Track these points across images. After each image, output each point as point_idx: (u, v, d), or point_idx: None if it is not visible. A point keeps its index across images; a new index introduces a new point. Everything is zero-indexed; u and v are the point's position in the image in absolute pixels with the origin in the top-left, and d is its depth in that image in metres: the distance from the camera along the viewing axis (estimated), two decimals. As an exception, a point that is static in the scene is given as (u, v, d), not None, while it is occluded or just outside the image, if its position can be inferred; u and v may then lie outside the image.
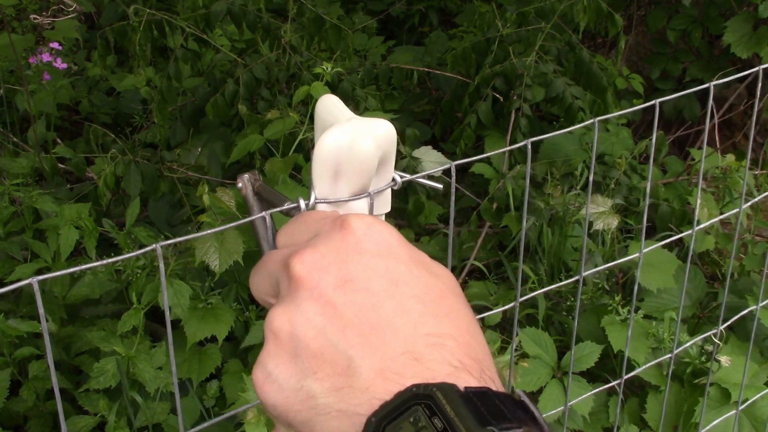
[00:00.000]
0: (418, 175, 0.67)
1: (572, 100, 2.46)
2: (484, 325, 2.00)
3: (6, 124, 2.55)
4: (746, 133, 3.14)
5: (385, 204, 0.62)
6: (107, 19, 2.61)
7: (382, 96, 2.71)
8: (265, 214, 0.59)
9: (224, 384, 1.82)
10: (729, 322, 1.59)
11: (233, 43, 2.92)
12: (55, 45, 2.43)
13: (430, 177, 0.65)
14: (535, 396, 1.97)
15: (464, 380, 0.37)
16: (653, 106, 0.92)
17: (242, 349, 1.83)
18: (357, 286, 0.41)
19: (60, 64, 2.38)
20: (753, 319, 1.63)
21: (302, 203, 0.56)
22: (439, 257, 2.26)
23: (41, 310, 0.55)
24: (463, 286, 2.34)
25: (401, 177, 0.61)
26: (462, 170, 2.75)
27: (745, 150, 3.09)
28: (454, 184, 0.74)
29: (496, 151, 0.96)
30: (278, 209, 0.57)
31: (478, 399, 0.36)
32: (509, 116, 2.55)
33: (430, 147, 2.14)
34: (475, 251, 2.36)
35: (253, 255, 1.68)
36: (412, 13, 3.61)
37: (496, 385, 0.38)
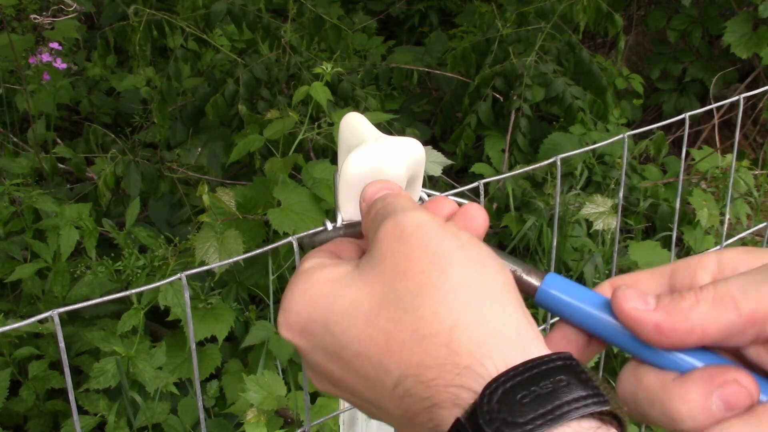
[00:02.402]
0: (447, 193, 0.65)
1: (572, 100, 2.46)
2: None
3: (6, 124, 2.55)
4: (746, 133, 3.14)
5: None
6: (107, 19, 2.61)
7: (382, 96, 2.71)
8: (293, 239, 0.58)
9: (224, 384, 1.82)
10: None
11: (233, 43, 2.92)
12: (55, 45, 2.43)
13: (460, 195, 0.64)
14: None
15: (442, 418, 0.38)
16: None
17: (242, 349, 1.84)
18: (338, 386, 0.44)
19: (60, 64, 2.38)
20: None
21: (329, 226, 0.55)
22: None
23: (62, 344, 0.54)
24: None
25: (429, 195, 0.59)
26: (462, 170, 2.75)
27: (745, 150, 3.09)
28: (482, 203, 0.73)
29: (529, 167, 0.95)
30: (306, 233, 0.56)
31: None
32: (509, 116, 2.55)
33: (430, 147, 2.14)
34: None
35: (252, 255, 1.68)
36: (412, 13, 3.61)
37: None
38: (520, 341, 0.38)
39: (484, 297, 0.40)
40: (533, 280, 0.47)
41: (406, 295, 0.40)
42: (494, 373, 0.36)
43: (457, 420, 0.36)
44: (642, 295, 0.42)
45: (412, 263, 0.41)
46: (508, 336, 0.38)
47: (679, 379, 0.40)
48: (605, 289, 0.45)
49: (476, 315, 0.39)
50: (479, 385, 0.36)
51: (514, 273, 0.47)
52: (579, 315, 0.45)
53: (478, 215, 0.47)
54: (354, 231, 0.54)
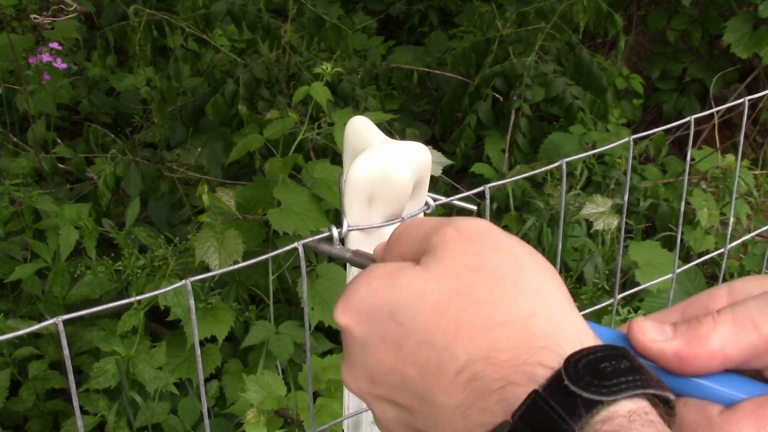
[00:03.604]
0: (452, 197, 0.65)
1: (572, 100, 2.46)
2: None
3: (6, 124, 2.55)
4: (746, 133, 3.14)
5: None
6: (107, 19, 2.60)
7: (382, 96, 2.71)
8: (298, 244, 0.58)
9: (224, 384, 1.82)
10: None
11: (233, 43, 2.92)
12: (55, 45, 2.43)
13: (464, 199, 0.64)
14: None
15: (513, 395, 0.40)
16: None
17: (242, 349, 1.83)
18: (381, 381, 0.45)
19: (60, 64, 2.38)
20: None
21: (335, 231, 0.55)
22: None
23: (66, 351, 0.54)
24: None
25: (434, 200, 0.59)
26: (462, 170, 2.75)
27: (745, 150, 3.09)
28: (489, 207, 0.73)
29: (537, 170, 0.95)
30: (311, 239, 0.56)
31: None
32: (509, 116, 2.55)
33: (430, 147, 2.14)
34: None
35: (253, 255, 1.68)
36: (412, 13, 3.61)
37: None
38: (591, 334, 0.42)
39: (556, 296, 0.43)
40: None
41: (480, 288, 0.42)
42: (571, 352, 0.39)
43: (534, 392, 0.38)
44: (658, 326, 0.44)
45: (486, 261, 0.44)
46: (582, 328, 0.42)
47: (727, 413, 0.41)
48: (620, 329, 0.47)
49: (552, 308, 0.42)
50: (557, 363, 0.39)
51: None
52: None
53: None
54: (361, 261, 0.54)
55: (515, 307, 0.42)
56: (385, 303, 0.45)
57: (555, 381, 0.38)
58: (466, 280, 0.43)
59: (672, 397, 0.39)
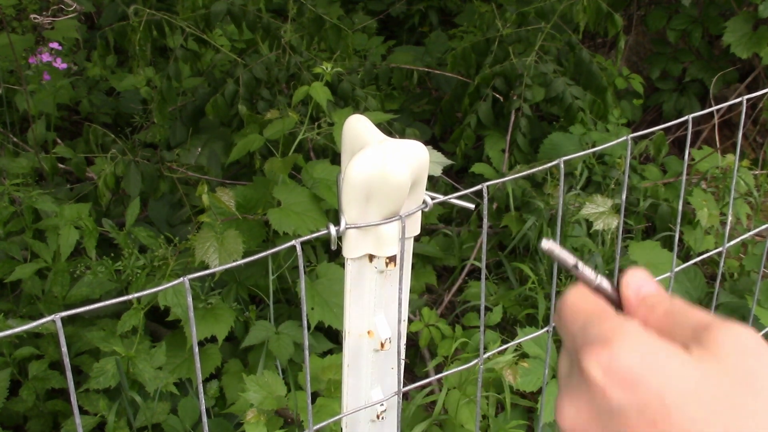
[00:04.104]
0: (450, 196, 0.65)
1: (572, 100, 2.46)
2: (486, 326, 2.00)
3: (6, 124, 2.55)
4: (746, 133, 3.14)
5: (415, 226, 0.61)
6: (107, 19, 2.61)
7: (382, 96, 2.72)
8: (296, 242, 0.58)
9: (224, 384, 1.82)
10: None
11: (233, 43, 2.92)
12: (55, 45, 2.43)
13: (462, 197, 0.64)
14: (535, 396, 1.97)
15: None
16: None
17: (242, 349, 1.84)
18: None
19: (60, 64, 2.38)
20: (753, 319, 1.63)
21: (332, 229, 0.55)
22: (439, 257, 2.24)
23: (64, 348, 0.54)
24: (463, 286, 2.34)
25: (432, 198, 0.59)
26: (462, 170, 2.75)
27: (744, 150, 3.09)
28: (487, 206, 0.72)
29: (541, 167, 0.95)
30: (308, 237, 0.56)
31: None
32: (509, 116, 2.55)
33: (430, 147, 2.14)
34: (475, 251, 2.37)
35: (252, 255, 1.68)
36: (412, 13, 3.61)
37: None
38: None
39: None
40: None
41: (753, 404, 0.44)
42: None
43: None
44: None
45: (760, 380, 0.45)
46: None
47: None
48: None
49: None
50: None
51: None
52: None
53: None
54: (605, 292, 0.55)
55: None
56: (657, 381, 0.45)
57: None
58: (740, 391, 0.45)
59: None
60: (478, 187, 0.69)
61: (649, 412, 0.45)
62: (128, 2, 2.35)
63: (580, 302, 0.53)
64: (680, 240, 2.35)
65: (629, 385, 0.46)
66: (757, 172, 2.68)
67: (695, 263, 1.77)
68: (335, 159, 2.18)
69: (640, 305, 0.53)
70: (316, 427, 0.76)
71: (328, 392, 1.54)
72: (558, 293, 2.23)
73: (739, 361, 0.46)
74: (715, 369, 0.45)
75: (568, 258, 0.56)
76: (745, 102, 0.99)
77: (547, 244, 0.55)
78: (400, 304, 0.65)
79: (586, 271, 0.55)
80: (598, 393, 0.47)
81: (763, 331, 1.84)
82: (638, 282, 0.54)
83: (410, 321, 2.04)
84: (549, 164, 0.86)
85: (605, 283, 0.55)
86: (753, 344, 0.47)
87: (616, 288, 0.55)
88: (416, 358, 2.17)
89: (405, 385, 0.72)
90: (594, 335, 0.49)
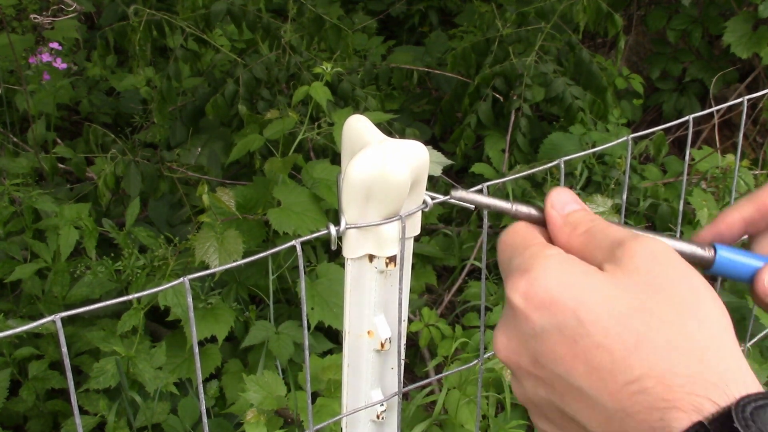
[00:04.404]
0: (450, 196, 0.66)
1: (572, 100, 2.46)
2: (486, 326, 2.00)
3: (6, 124, 2.55)
4: (746, 133, 3.14)
5: (415, 226, 0.62)
6: (107, 19, 2.61)
7: (382, 96, 2.71)
8: (296, 242, 0.58)
9: (224, 384, 1.82)
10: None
11: (233, 43, 2.92)
12: (55, 45, 2.43)
13: (462, 198, 0.65)
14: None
15: (676, 419, 0.43)
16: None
17: (242, 349, 1.84)
18: (545, 365, 0.48)
19: (60, 64, 2.38)
20: (754, 319, 1.63)
21: (332, 229, 0.55)
22: (440, 257, 2.24)
23: (64, 348, 0.55)
24: (463, 286, 2.34)
25: (432, 198, 0.60)
26: (462, 170, 2.75)
27: (744, 150, 3.09)
28: (486, 213, 0.73)
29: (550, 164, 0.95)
30: (308, 237, 0.57)
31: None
32: (509, 116, 2.55)
33: (430, 147, 2.13)
34: (475, 251, 2.37)
35: (252, 255, 1.68)
36: (412, 13, 3.61)
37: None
38: (752, 376, 0.45)
39: (728, 334, 0.46)
40: (705, 253, 0.56)
41: (665, 309, 0.46)
42: (737, 395, 0.43)
43: (698, 423, 0.42)
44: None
45: (670, 284, 0.47)
46: (747, 370, 0.45)
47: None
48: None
49: (724, 346, 0.45)
50: (723, 401, 0.42)
51: (685, 252, 0.56)
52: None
53: None
54: (526, 216, 0.56)
55: (695, 337, 0.45)
56: (572, 299, 0.47)
57: (722, 419, 0.42)
58: (652, 298, 0.46)
59: None
60: (478, 187, 0.69)
61: (568, 331, 0.47)
62: (128, 2, 2.35)
63: (508, 237, 0.54)
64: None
65: (547, 306, 0.48)
66: (757, 172, 2.68)
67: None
68: (335, 159, 2.17)
69: (564, 225, 0.54)
70: (316, 427, 0.76)
71: (328, 392, 1.54)
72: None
73: (649, 271, 0.47)
74: (625, 282, 0.47)
75: (485, 200, 0.56)
76: (745, 102, 0.99)
77: (457, 193, 0.55)
78: (400, 304, 0.65)
79: (503, 204, 0.56)
80: (521, 319, 0.49)
81: (764, 332, 1.84)
82: (562, 202, 0.55)
83: (410, 321, 2.04)
84: (549, 164, 0.86)
85: (534, 211, 0.55)
86: (662, 254, 0.48)
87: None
88: (416, 358, 2.17)
89: (405, 385, 0.72)
90: (516, 265, 0.51)
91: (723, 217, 0.59)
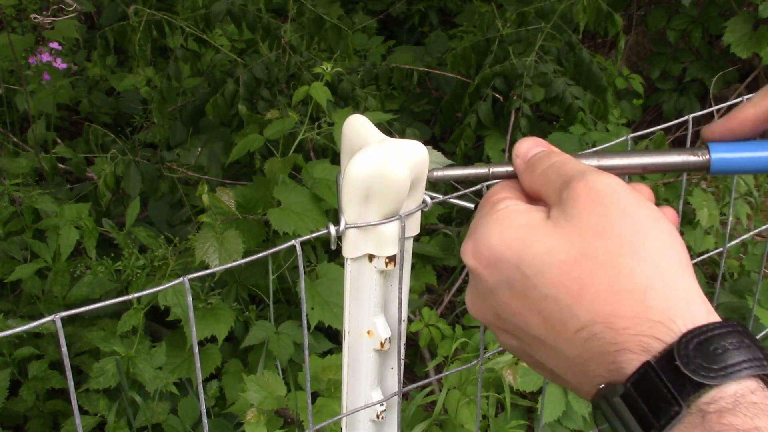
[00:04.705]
0: (450, 196, 0.66)
1: (572, 100, 2.46)
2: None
3: (6, 124, 2.55)
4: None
5: (415, 226, 0.62)
6: (107, 19, 2.61)
7: (382, 96, 2.71)
8: (296, 241, 0.58)
9: (224, 384, 1.82)
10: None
11: (233, 43, 2.92)
12: (55, 45, 2.43)
13: (461, 197, 0.65)
14: (535, 396, 1.97)
15: (627, 360, 0.43)
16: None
17: (242, 349, 1.84)
18: (506, 318, 0.50)
19: (60, 64, 2.38)
20: (754, 319, 1.63)
21: (332, 229, 0.55)
22: (439, 257, 2.24)
23: (64, 348, 0.55)
24: (463, 286, 2.34)
25: (432, 198, 0.60)
26: (462, 170, 2.74)
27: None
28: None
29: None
30: (308, 237, 0.57)
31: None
32: (509, 116, 2.55)
33: (430, 147, 2.13)
34: (475, 251, 2.36)
35: (252, 255, 1.68)
36: (412, 13, 3.61)
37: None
38: (705, 307, 0.45)
39: (675, 266, 0.46)
40: (698, 158, 0.55)
41: (604, 252, 0.45)
42: (684, 330, 0.43)
43: (647, 363, 0.42)
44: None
45: (610, 224, 0.46)
46: (695, 301, 0.45)
47: None
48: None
49: (669, 280, 0.45)
50: (669, 338, 0.43)
51: (676, 162, 0.55)
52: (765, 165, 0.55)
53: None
54: (504, 174, 0.56)
55: (635, 277, 0.44)
56: (514, 255, 0.48)
57: (666, 357, 0.42)
58: (591, 244, 0.46)
59: None
60: (478, 186, 0.69)
61: (517, 285, 0.48)
62: (128, 2, 2.35)
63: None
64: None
65: (494, 264, 0.49)
66: (757, 172, 2.68)
67: (695, 263, 1.77)
68: (335, 159, 2.17)
69: (526, 170, 0.54)
70: (316, 427, 0.76)
71: (328, 392, 1.54)
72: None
73: (590, 213, 0.47)
74: (566, 229, 0.47)
75: (461, 171, 0.56)
76: (745, 102, 0.99)
77: (433, 175, 0.56)
78: (400, 304, 0.65)
79: (480, 170, 0.56)
80: (477, 278, 0.51)
81: (764, 332, 1.84)
82: (526, 148, 0.55)
83: (410, 321, 2.04)
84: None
85: (510, 168, 0.56)
86: (605, 194, 0.48)
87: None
88: (416, 358, 2.17)
89: (405, 385, 0.72)
90: (470, 229, 0.52)
91: (737, 113, 0.58)
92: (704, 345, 0.42)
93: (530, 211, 0.50)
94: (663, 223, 0.47)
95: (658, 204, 0.51)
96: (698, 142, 0.56)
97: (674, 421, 0.41)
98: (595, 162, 0.56)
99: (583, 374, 0.46)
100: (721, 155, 0.55)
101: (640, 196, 0.48)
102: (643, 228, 0.46)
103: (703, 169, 0.56)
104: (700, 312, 0.44)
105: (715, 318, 0.44)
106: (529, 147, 0.55)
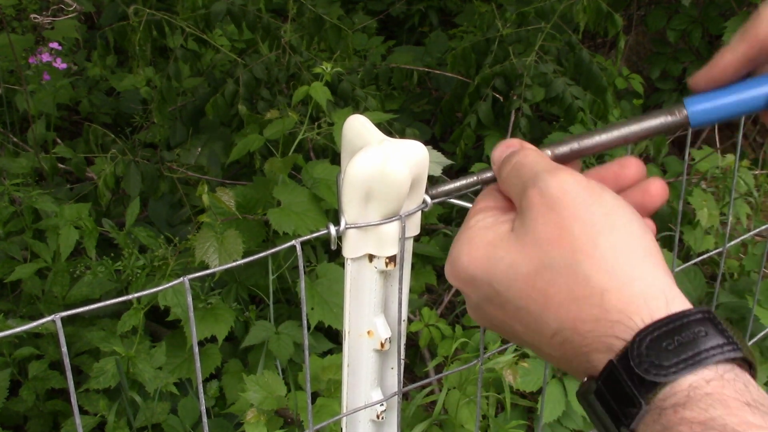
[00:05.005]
0: (450, 195, 0.66)
1: (572, 100, 2.46)
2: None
3: (6, 124, 2.55)
4: (746, 133, 3.14)
5: (415, 226, 0.62)
6: (107, 19, 2.60)
7: (382, 96, 2.71)
8: (296, 242, 0.58)
9: (224, 384, 1.82)
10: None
11: (233, 43, 2.92)
12: (55, 45, 2.43)
13: (461, 197, 0.65)
14: (535, 396, 1.97)
15: (597, 360, 0.45)
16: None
17: (242, 349, 1.84)
18: (498, 326, 0.52)
19: (60, 64, 2.37)
20: (754, 319, 1.63)
21: (332, 229, 0.55)
22: (440, 257, 2.25)
23: (64, 348, 0.55)
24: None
25: (432, 198, 0.60)
26: (462, 170, 2.75)
27: (745, 150, 3.09)
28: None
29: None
30: (308, 237, 0.58)
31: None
32: (509, 116, 2.55)
33: (430, 147, 2.13)
34: (475, 251, 2.36)
35: (252, 255, 1.68)
36: (412, 13, 3.61)
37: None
38: (664, 298, 0.45)
39: (631, 261, 0.46)
40: (676, 117, 0.55)
41: (560, 261, 0.47)
42: (641, 326, 0.44)
43: (610, 361, 0.44)
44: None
45: (565, 231, 0.47)
46: (653, 294, 0.45)
47: None
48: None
49: (624, 278, 0.45)
50: (629, 335, 0.44)
51: (653, 126, 0.54)
52: (742, 107, 0.55)
53: (657, 193, 0.55)
54: (490, 179, 0.56)
55: (591, 281, 0.46)
56: (484, 273, 0.50)
57: (625, 356, 0.43)
58: (548, 253, 0.47)
59: (739, 354, 0.42)
60: (478, 186, 0.69)
61: (494, 300, 0.50)
62: (128, 2, 2.34)
63: None
64: (680, 240, 2.35)
65: (470, 282, 0.51)
66: (757, 172, 2.68)
67: (695, 263, 1.77)
68: (335, 159, 2.17)
69: (499, 175, 0.55)
70: (316, 427, 0.76)
71: (328, 392, 1.54)
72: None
73: (545, 222, 0.48)
74: (525, 241, 0.49)
75: (455, 185, 0.57)
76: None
77: (429, 195, 0.56)
78: (400, 304, 0.65)
79: (469, 179, 0.57)
80: (464, 295, 0.53)
81: (764, 332, 1.84)
82: (498, 154, 0.56)
83: (410, 321, 2.04)
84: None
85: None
86: (557, 199, 0.48)
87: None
88: (416, 358, 2.17)
89: (405, 385, 0.72)
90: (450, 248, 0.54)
91: (716, 61, 0.58)
92: (657, 342, 0.42)
93: (496, 225, 0.51)
94: (617, 218, 0.47)
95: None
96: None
97: (637, 418, 0.42)
98: (576, 144, 0.55)
99: (572, 371, 0.48)
100: (698, 107, 0.55)
101: (595, 190, 0.49)
102: (594, 229, 0.47)
103: (684, 125, 0.55)
104: (658, 305, 0.45)
105: (677, 307, 0.44)
106: (501, 152, 0.56)
